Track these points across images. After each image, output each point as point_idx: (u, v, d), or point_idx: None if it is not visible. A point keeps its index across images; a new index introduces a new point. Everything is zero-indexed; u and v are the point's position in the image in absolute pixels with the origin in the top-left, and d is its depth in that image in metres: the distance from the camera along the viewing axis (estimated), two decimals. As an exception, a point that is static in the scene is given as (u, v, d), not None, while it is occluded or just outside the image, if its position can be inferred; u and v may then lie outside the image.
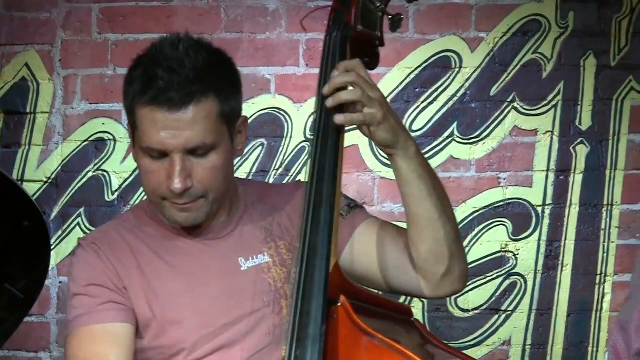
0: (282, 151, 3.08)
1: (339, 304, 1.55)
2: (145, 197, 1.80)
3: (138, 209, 1.85)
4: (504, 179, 3.07)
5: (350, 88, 1.60)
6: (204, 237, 1.75)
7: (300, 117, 3.08)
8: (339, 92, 1.59)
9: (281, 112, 3.08)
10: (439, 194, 1.70)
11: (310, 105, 3.05)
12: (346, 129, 1.65)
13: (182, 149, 1.63)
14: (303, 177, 2.93)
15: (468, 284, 2.84)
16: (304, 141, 3.07)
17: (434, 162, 3.03)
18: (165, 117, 1.62)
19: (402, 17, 1.72)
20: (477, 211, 3.07)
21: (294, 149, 3.08)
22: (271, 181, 3.03)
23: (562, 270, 3.05)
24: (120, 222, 1.83)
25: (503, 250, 3.07)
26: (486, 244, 3.06)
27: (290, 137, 3.08)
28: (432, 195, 1.68)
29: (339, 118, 1.59)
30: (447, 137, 3.08)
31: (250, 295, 1.73)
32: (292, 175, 3.06)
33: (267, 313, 1.72)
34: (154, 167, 1.67)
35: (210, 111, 1.65)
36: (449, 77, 3.08)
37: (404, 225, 1.75)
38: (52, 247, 2.55)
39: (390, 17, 1.71)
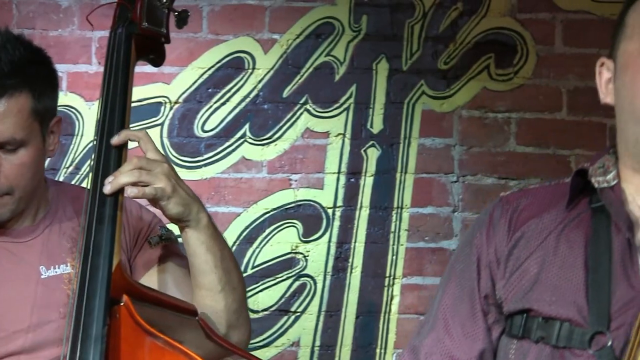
0: (72, 149, 3.29)
1: (122, 304, 1.62)
2: None
3: None
4: (295, 181, 3.31)
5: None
6: (6, 240, 1.80)
7: (92, 115, 3.29)
8: (117, 178, 1.68)
9: (72, 109, 3.30)
10: (226, 265, 1.78)
11: (102, 103, 3.27)
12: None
13: None
14: (94, 175, 3.16)
15: (258, 284, 3.12)
16: (95, 140, 3.28)
17: (225, 163, 3.27)
18: None
19: (189, 13, 1.82)
20: (268, 212, 3.30)
21: (85, 147, 3.29)
22: (61, 179, 3.23)
23: (351, 272, 3.29)
24: None
25: (293, 251, 3.30)
26: (276, 245, 3.29)
27: (81, 135, 3.30)
28: (218, 268, 1.75)
29: (132, 191, 1.68)
30: (239, 138, 3.31)
31: (46, 305, 1.76)
32: (82, 174, 3.27)
33: (62, 325, 1.73)
34: None
35: (23, 107, 1.72)
36: (242, 78, 3.31)
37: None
38: None
39: (176, 13, 1.82)
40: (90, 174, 1.76)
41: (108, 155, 1.73)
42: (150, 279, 1.85)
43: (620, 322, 1.45)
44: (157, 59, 1.84)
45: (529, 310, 1.57)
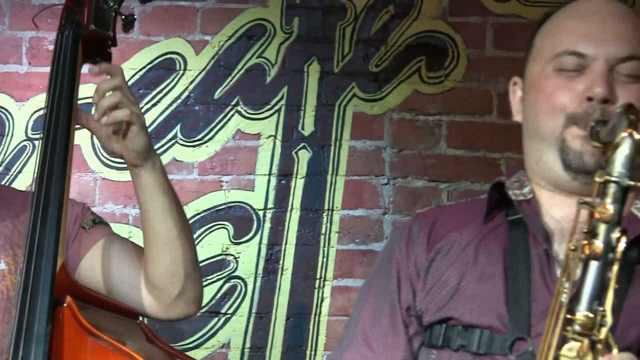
0: (2, 150, 3.36)
1: (65, 305, 1.66)
2: None
3: None
4: (227, 182, 3.39)
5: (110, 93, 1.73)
6: None
7: (22, 115, 3.37)
8: (101, 101, 1.73)
9: (2, 110, 3.36)
10: (180, 211, 1.83)
11: (33, 104, 3.34)
12: (76, 126, 1.80)
13: None
14: (24, 176, 3.24)
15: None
16: (25, 140, 3.36)
17: (157, 164, 3.33)
18: None
19: (135, 17, 1.90)
20: (199, 214, 3.37)
21: (15, 148, 3.36)
22: (-9, 179, 3.29)
23: (282, 274, 3.37)
24: None
25: (224, 253, 3.38)
26: (207, 246, 3.37)
27: (11, 135, 3.36)
28: (174, 212, 1.80)
29: (104, 118, 1.74)
30: (171, 140, 3.39)
31: None
32: (12, 175, 3.34)
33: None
34: None
35: None
36: (173, 79, 3.39)
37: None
38: None
39: (123, 17, 1.87)
40: (35, 176, 1.79)
41: (53, 158, 1.77)
42: (92, 262, 1.88)
43: (540, 328, 1.48)
44: (103, 62, 1.87)
45: (449, 319, 1.63)
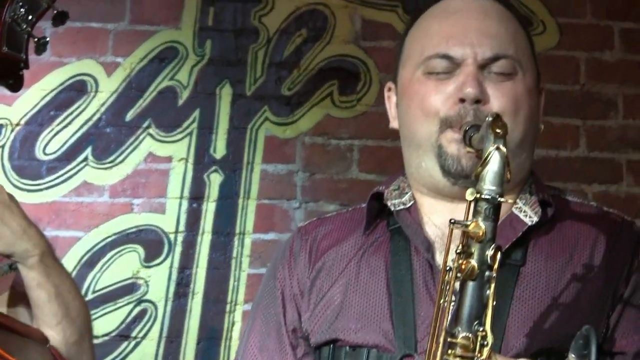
0: None
1: None
2: None
3: None
4: (138, 205, 3.49)
5: None
6: None
7: None
8: None
9: None
10: (62, 300, 1.81)
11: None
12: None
13: None
14: None
15: (98, 309, 3.28)
16: None
17: (67, 187, 3.45)
18: None
19: (48, 40, 1.87)
20: (109, 237, 3.47)
21: None
22: None
23: (193, 297, 3.47)
24: None
25: (134, 276, 3.47)
26: (117, 270, 3.46)
27: None
28: (53, 302, 1.79)
29: None
30: (81, 162, 3.49)
31: None
32: None
33: None
34: None
35: None
36: (84, 101, 3.50)
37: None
38: None
39: (36, 39, 1.85)
40: None
41: None
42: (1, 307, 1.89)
43: (426, 343, 1.48)
44: (15, 85, 1.87)
45: (336, 340, 1.66)
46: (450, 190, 1.68)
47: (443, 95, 1.67)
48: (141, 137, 3.51)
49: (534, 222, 1.67)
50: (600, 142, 3.62)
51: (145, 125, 3.51)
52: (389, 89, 1.82)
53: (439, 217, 1.67)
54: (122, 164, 3.50)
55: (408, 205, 1.72)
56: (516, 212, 1.69)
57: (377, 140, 3.53)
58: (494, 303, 1.42)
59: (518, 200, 1.71)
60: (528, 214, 1.68)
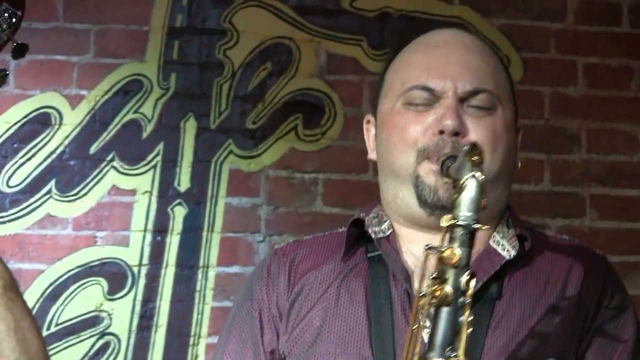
0: None
1: None
2: None
3: None
4: (101, 238, 3.56)
5: None
6: None
7: None
8: None
9: None
10: (21, 335, 1.82)
11: None
12: None
13: None
14: None
15: (61, 342, 3.35)
16: None
17: (30, 219, 3.51)
18: None
19: (8, 72, 1.90)
20: (72, 270, 3.53)
21: None
22: None
23: (156, 330, 3.54)
24: None
25: (98, 309, 3.53)
26: (81, 302, 3.52)
27: None
28: (11, 337, 1.81)
29: None
30: (45, 194, 3.55)
31: None
32: None
33: None
34: None
35: None
36: (48, 134, 3.56)
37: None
38: None
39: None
40: None
41: None
42: None
43: None
44: None
45: None
46: (426, 221, 1.73)
47: (422, 126, 1.72)
48: (105, 170, 3.57)
49: (512, 257, 1.73)
50: (564, 176, 3.71)
51: (109, 158, 3.57)
52: (368, 122, 1.88)
53: (417, 247, 1.70)
54: (86, 196, 3.56)
55: (387, 233, 1.77)
56: (494, 245, 1.75)
57: (342, 173, 3.61)
58: (469, 330, 1.45)
59: (496, 234, 1.77)
60: (506, 248, 1.74)
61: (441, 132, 1.70)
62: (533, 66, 3.75)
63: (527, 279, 1.73)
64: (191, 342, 3.54)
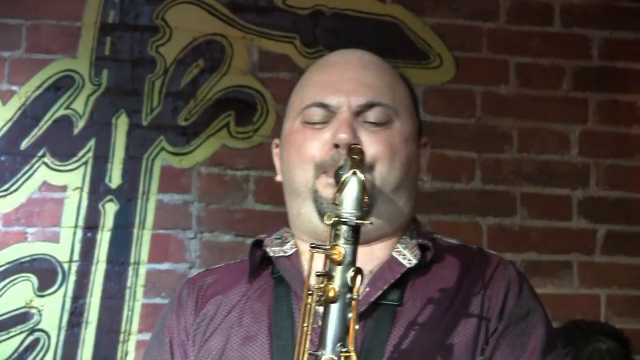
0: None
1: None
2: None
3: None
4: (31, 234, 3.60)
5: None
6: None
7: None
8: None
9: None
10: None
11: None
12: None
13: None
14: None
15: (-10, 339, 3.37)
16: None
17: (-41, 215, 3.54)
18: None
19: None
20: (2, 266, 3.56)
21: None
22: None
23: (86, 327, 3.58)
24: None
25: (27, 305, 3.56)
26: (10, 299, 3.55)
27: None
28: None
29: None
30: (-25, 190, 3.59)
31: None
32: None
33: None
34: None
35: None
36: (-22, 130, 3.61)
37: None
38: None
39: None
40: None
41: None
42: None
43: None
44: None
45: None
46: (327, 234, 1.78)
47: (319, 142, 1.77)
48: (36, 165, 3.61)
49: (412, 265, 1.77)
50: (495, 175, 3.81)
51: (40, 154, 3.62)
52: (276, 145, 1.94)
53: (319, 263, 1.68)
54: (17, 192, 3.60)
55: (289, 253, 1.83)
56: (396, 255, 1.80)
57: (273, 171, 3.53)
58: (356, 326, 1.49)
59: (399, 245, 1.82)
60: (407, 257, 1.79)
61: (336, 146, 1.74)
62: (465, 65, 3.85)
63: (430, 286, 1.77)
64: (121, 338, 3.58)
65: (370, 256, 1.79)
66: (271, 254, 1.83)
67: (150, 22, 3.71)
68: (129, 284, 3.61)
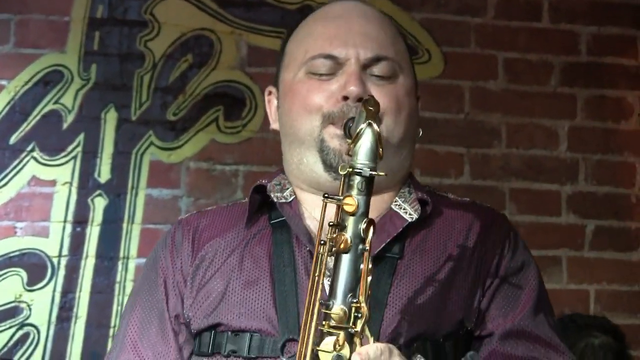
0: None
1: None
2: None
3: None
4: (21, 229, 3.64)
5: None
6: None
7: None
8: None
9: None
10: None
11: None
12: None
13: None
14: None
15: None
16: None
17: (-52, 209, 3.58)
18: None
19: None
20: (-9, 260, 3.62)
21: None
22: None
23: (76, 321, 3.61)
24: None
25: (17, 300, 3.59)
26: (0, 293, 3.60)
27: None
28: None
29: None
30: (-36, 185, 3.63)
31: None
32: None
33: None
34: None
35: None
36: (-33, 124, 3.64)
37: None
38: None
39: None
40: None
41: None
42: None
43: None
44: None
45: (218, 325, 1.74)
46: (331, 185, 1.77)
47: (326, 93, 1.79)
48: (25, 160, 3.65)
49: (413, 219, 1.81)
50: (483, 170, 3.86)
51: (29, 148, 3.65)
52: (269, 93, 1.96)
53: (319, 211, 1.68)
54: (6, 187, 3.63)
55: (289, 200, 1.84)
56: (396, 209, 1.83)
57: (262, 166, 3.71)
58: (368, 277, 1.50)
59: (398, 198, 1.85)
60: (408, 211, 1.82)
61: (345, 98, 1.77)
62: (453, 60, 3.89)
63: (428, 239, 1.82)
64: (111, 333, 3.61)
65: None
66: (275, 200, 1.84)
67: (138, 17, 3.75)
68: (118, 278, 3.64)
